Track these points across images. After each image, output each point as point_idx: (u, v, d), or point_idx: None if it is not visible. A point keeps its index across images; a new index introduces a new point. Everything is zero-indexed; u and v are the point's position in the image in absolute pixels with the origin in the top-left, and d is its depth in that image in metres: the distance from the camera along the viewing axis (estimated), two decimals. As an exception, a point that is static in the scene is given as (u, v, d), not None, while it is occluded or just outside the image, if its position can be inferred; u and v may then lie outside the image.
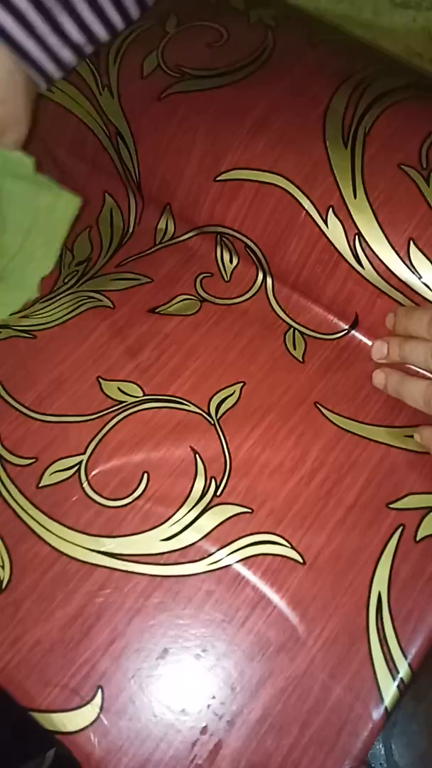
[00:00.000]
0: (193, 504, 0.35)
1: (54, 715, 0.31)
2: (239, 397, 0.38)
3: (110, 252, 0.44)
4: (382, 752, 0.63)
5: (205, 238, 0.44)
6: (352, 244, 0.38)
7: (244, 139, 0.40)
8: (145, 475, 0.36)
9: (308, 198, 0.39)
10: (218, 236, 0.43)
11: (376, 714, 0.31)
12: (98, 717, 0.31)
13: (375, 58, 0.44)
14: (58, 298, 0.42)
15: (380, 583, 0.33)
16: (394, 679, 0.31)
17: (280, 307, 0.41)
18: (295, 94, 0.41)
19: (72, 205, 0.36)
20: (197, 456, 0.36)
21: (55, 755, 0.46)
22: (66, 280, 0.43)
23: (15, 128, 0.35)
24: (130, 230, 0.45)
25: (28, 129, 0.35)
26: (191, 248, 0.44)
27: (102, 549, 0.34)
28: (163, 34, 0.45)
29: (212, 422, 0.37)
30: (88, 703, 0.31)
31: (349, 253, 0.38)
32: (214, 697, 0.31)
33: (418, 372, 0.38)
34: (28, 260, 0.38)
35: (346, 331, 0.40)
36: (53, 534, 0.34)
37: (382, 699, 0.31)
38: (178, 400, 0.38)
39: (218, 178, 0.41)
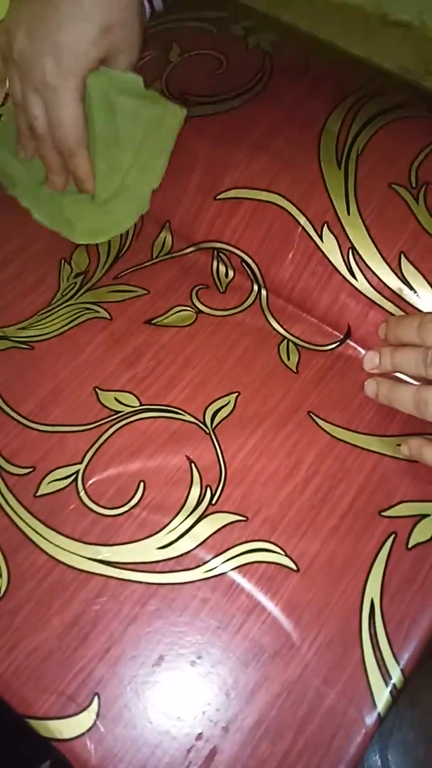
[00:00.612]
0: (188, 512, 0.35)
1: (50, 722, 0.31)
2: (234, 406, 0.39)
3: (108, 264, 0.45)
4: (379, 763, 0.63)
5: (203, 253, 0.44)
6: (345, 257, 0.39)
7: (243, 160, 0.42)
8: (142, 484, 0.36)
9: (304, 215, 0.40)
10: (215, 251, 0.44)
11: (370, 719, 0.31)
12: (94, 724, 0.31)
13: (368, 76, 0.46)
14: (56, 309, 0.43)
15: (373, 590, 0.33)
16: (386, 684, 0.31)
17: (274, 318, 0.42)
18: (291, 118, 0.43)
19: (178, 115, 0.38)
20: (193, 465, 0.37)
21: (51, 765, 0.46)
22: (65, 293, 0.44)
23: (129, 52, 0.37)
24: (128, 243, 0.46)
25: (139, 54, 0.38)
26: (188, 262, 0.45)
27: (98, 557, 0.34)
28: (166, 63, 0.47)
29: (208, 432, 0.38)
30: (84, 710, 0.31)
31: (343, 266, 0.39)
32: (209, 704, 0.31)
33: (411, 381, 0.39)
34: (140, 174, 0.41)
35: (339, 342, 0.41)
36: (50, 542, 0.35)
37: (375, 705, 0.31)
38: (174, 409, 0.38)
39: (218, 197, 0.42)
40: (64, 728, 0.31)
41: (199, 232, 0.44)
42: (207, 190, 0.43)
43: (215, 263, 0.44)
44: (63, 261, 0.45)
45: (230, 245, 0.43)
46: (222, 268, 0.44)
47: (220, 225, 0.43)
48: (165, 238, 0.45)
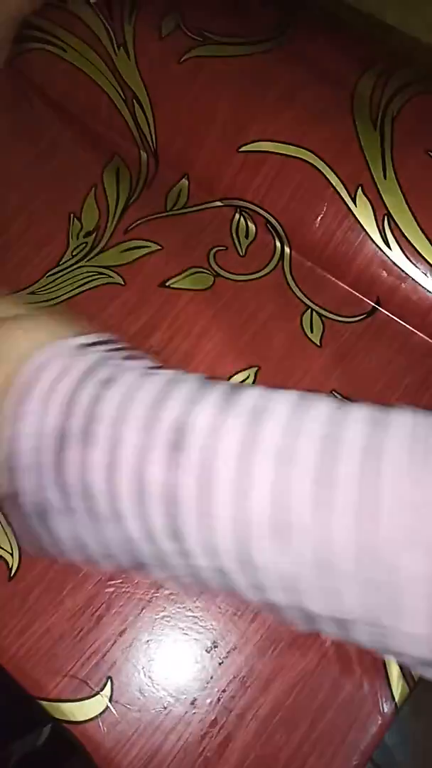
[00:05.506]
0: (205, 495, 0.34)
1: (63, 705, 0.31)
2: (254, 382, 0.37)
3: (117, 215, 0.42)
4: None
5: (221, 211, 0.41)
6: (380, 224, 0.36)
7: (270, 110, 0.38)
8: (157, 464, 0.35)
9: (336, 175, 0.37)
10: (237, 209, 0.41)
11: (386, 709, 0.31)
12: (107, 708, 0.31)
13: (399, 43, 0.41)
14: (65, 272, 0.40)
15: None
16: (404, 675, 0.31)
17: (297, 286, 0.40)
18: (319, 75, 0.39)
19: None
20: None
21: (52, 730, 0.47)
22: (74, 253, 0.41)
23: None
24: (139, 188, 0.42)
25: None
26: (205, 219, 0.42)
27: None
28: None
29: (226, 410, 0.36)
30: (97, 693, 0.31)
31: (377, 233, 0.36)
32: (224, 691, 0.31)
33: None
34: None
35: (365, 315, 0.39)
36: (62, 521, 0.34)
37: (392, 695, 0.31)
38: (190, 383, 0.36)
39: (242, 149, 0.39)
40: (77, 711, 0.31)
41: (221, 186, 0.41)
42: (230, 140, 0.39)
43: (237, 218, 0.41)
44: (72, 217, 0.42)
45: (254, 204, 0.40)
46: (243, 225, 0.41)
47: (243, 181, 0.40)
48: (181, 190, 0.42)
